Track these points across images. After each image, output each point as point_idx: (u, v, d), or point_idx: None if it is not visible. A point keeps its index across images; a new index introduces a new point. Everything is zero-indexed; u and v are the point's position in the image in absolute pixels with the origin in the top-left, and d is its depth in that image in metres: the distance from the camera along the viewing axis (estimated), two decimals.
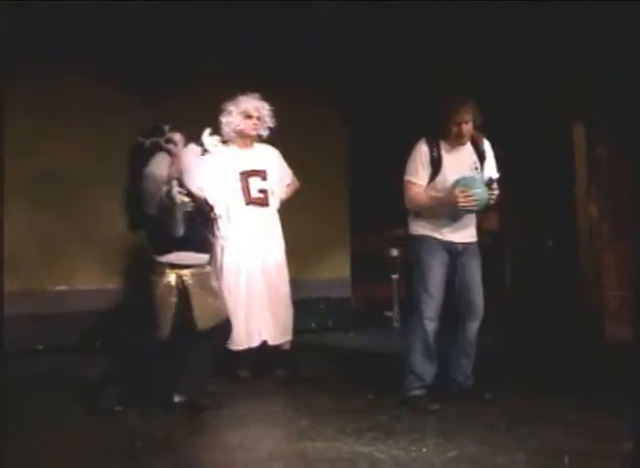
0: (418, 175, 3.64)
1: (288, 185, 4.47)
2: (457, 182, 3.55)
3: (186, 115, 4.24)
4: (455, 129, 3.59)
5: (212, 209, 4.12)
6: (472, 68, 5.75)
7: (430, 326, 3.59)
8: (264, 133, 4.35)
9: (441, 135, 3.65)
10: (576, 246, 5.59)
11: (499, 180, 3.64)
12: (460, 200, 3.49)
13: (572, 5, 4.97)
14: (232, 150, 4.28)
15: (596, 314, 5.31)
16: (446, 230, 3.66)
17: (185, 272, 3.57)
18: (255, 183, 4.26)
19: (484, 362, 3.80)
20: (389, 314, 6.31)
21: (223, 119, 4.27)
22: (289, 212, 4.49)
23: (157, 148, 3.57)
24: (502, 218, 6.38)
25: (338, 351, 5.22)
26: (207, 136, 4.22)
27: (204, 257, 3.68)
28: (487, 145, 3.77)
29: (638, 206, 5.06)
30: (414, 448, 2.97)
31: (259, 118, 4.27)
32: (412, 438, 3.10)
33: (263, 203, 4.28)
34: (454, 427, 3.25)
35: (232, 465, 2.91)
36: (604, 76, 5.24)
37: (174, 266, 3.57)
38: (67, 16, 5.13)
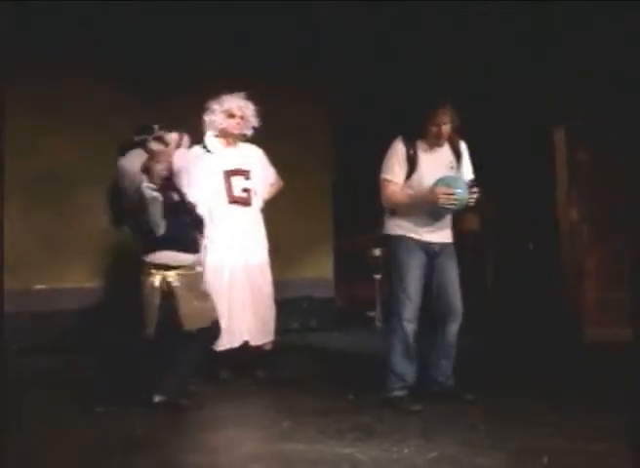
0: (394, 173, 3.65)
1: (271, 185, 4.47)
2: (439, 181, 3.57)
3: (186, 115, 4.23)
4: (434, 129, 3.62)
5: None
6: (457, 70, 5.78)
7: (409, 326, 3.60)
8: (249, 132, 4.34)
9: (419, 134, 3.67)
10: (556, 248, 5.63)
11: (476, 182, 3.66)
12: (442, 198, 3.51)
13: (567, 5, 5.00)
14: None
15: (576, 316, 5.35)
16: (423, 230, 3.66)
17: (171, 273, 3.55)
18: (238, 183, 4.25)
19: (465, 362, 3.82)
20: (372, 314, 6.32)
21: (207, 118, 4.26)
22: (273, 211, 4.49)
23: (144, 146, 3.58)
24: (484, 220, 6.42)
25: (320, 351, 5.22)
26: (210, 138, 4.23)
27: (190, 258, 3.65)
28: (463, 147, 3.81)
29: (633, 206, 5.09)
30: (395, 449, 2.98)
31: (242, 117, 4.26)
32: (393, 439, 3.11)
33: (246, 202, 4.27)
34: (435, 428, 3.26)
35: (213, 466, 2.90)
36: (586, 79, 5.28)
37: (159, 267, 3.56)
38: (67, 16, 5.11)
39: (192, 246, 3.69)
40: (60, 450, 3.05)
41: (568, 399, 3.73)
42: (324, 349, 5.31)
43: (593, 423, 3.28)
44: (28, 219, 5.12)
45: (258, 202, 4.34)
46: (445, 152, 3.74)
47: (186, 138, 4.00)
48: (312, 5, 5.39)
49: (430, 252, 3.69)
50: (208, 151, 4.26)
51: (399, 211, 3.69)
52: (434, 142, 3.67)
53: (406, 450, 2.96)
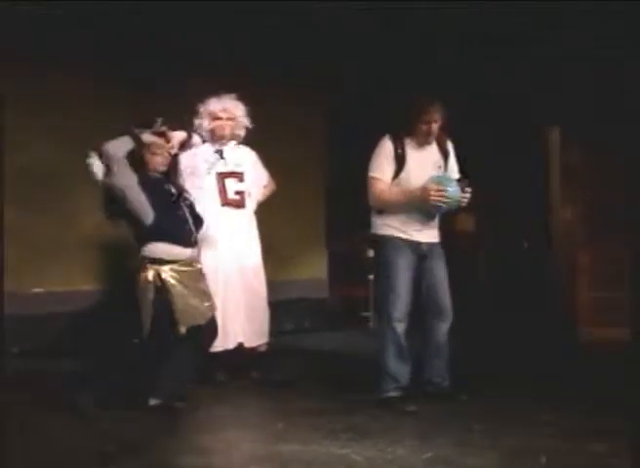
0: (382, 171, 3.63)
1: (265, 187, 4.46)
2: (431, 179, 3.57)
3: (186, 115, 4.22)
4: (424, 127, 3.61)
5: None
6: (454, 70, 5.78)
7: (400, 327, 3.59)
8: (241, 133, 4.32)
9: (407, 132, 3.66)
10: (550, 247, 5.64)
11: (469, 181, 3.65)
12: (433, 195, 3.50)
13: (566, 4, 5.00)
14: (209, 151, 4.25)
15: (570, 315, 5.36)
16: (412, 230, 3.65)
17: (165, 268, 3.52)
18: (231, 185, 4.24)
19: (459, 362, 3.82)
20: (366, 314, 6.31)
21: (196, 121, 4.26)
22: (266, 212, 4.48)
23: (134, 135, 3.58)
24: (478, 219, 6.43)
25: (315, 352, 5.21)
26: (232, 147, 4.20)
27: (185, 252, 3.61)
28: (450, 146, 3.81)
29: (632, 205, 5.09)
30: (390, 450, 2.97)
31: (230, 118, 4.24)
32: (388, 439, 3.10)
33: (239, 204, 4.26)
34: (430, 428, 3.26)
35: None
36: (579, 80, 5.30)
37: (153, 261, 3.52)
38: (67, 16, 5.07)
39: (187, 240, 3.64)
40: (55, 454, 3.03)
41: (565, 398, 3.74)
42: (318, 350, 5.30)
43: (592, 423, 3.29)
44: (24, 222, 5.06)
45: (251, 204, 4.33)
46: (433, 151, 3.74)
47: (197, 139, 4.02)
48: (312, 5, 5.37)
49: (419, 251, 3.67)
50: (221, 153, 4.26)
51: (387, 210, 3.67)
52: (423, 140, 3.67)
53: (401, 451, 2.96)
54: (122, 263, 5.06)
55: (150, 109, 4.62)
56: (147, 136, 3.60)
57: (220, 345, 4.08)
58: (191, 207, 3.75)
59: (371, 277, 6.32)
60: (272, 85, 5.62)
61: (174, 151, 3.74)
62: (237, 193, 4.25)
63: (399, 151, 3.63)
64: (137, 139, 3.55)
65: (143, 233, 3.54)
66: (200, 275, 3.72)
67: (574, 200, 5.49)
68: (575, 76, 5.33)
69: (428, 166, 3.68)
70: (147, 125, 3.65)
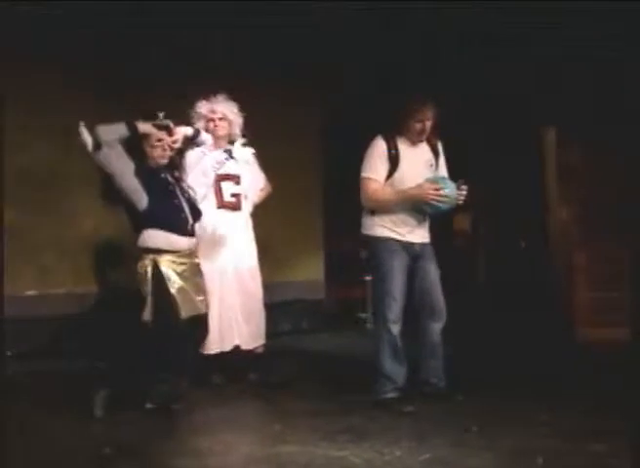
0: (376, 171, 3.62)
1: (261, 190, 4.46)
2: (427, 180, 3.57)
3: (186, 115, 4.22)
4: (418, 126, 3.61)
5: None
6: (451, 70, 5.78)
7: (395, 328, 3.59)
8: (236, 133, 4.30)
9: (399, 131, 3.66)
10: (548, 247, 5.64)
11: (465, 181, 3.64)
12: (431, 194, 3.50)
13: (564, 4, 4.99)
14: (218, 151, 4.25)
15: (568, 315, 5.37)
16: (404, 230, 3.65)
17: (163, 258, 3.50)
18: (227, 187, 4.23)
19: (456, 363, 3.82)
20: (363, 316, 6.31)
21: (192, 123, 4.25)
22: (263, 213, 4.47)
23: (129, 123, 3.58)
24: (477, 219, 6.43)
25: (311, 353, 5.21)
26: (239, 147, 4.19)
27: (183, 241, 3.60)
28: (440, 146, 3.81)
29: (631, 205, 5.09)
30: (387, 451, 2.98)
31: (222, 119, 4.22)
32: (385, 440, 3.11)
33: (236, 207, 4.25)
34: (427, 429, 3.26)
35: None
36: (578, 80, 5.30)
37: (150, 251, 3.51)
38: (67, 16, 5.05)
39: (183, 228, 3.61)
40: (52, 457, 3.03)
41: (562, 398, 3.74)
42: (315, 351, 5.30)
43: (590, 423, 3.29)
44: (24, 222, 5.05)
45: (247, 206, 4.33)
46: (424, 150, 3.74)
47: (207, 137, 3.99)
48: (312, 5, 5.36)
49: (411, 252, 3.67)
50: (232, 158, 4.27)
51: (379, 210, 3.66)
52: (416, 139, 3.66)
53: (398, 452, 2.97)
54: (121, 265, 5.08)
55: (150, 109, 4.64)
56: (144, 127, 3.59)
57: (216, 347, 4.09)
58: (190, 199, 3.73)
59: (367, 278, 6.33)
60: (272, 85, 5.62)
61: (177, 146, 3.72)
62: (233, 195, 4.24)
63: (392, 151, 3.62)
64: (132, 128, 3.54)
65: (139, 220, 3.54)
66: (197, 269, 3.71)
67: (571, 200, 5.48)
68: (574, 76, 5.33)
69: (421, 165, 3.68)
70: (149, 118, 3.65)
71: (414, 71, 5.81)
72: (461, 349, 4.36)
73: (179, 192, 3.68)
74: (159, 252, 3.52)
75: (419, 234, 3.70)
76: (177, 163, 3.82)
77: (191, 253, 3.67)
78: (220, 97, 4.26)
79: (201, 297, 3.66)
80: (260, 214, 4.45)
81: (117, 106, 5.19)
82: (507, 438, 3.12)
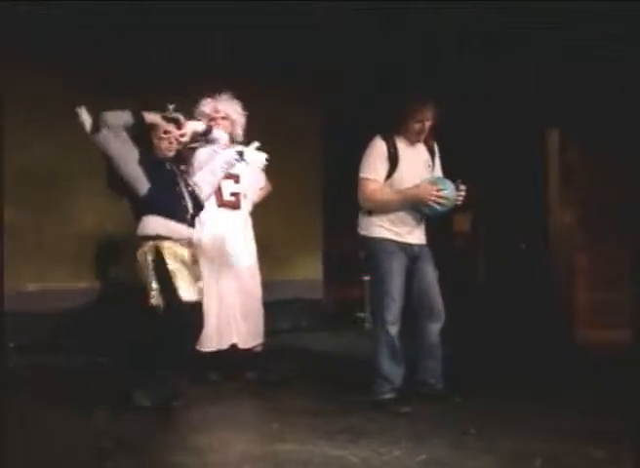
0: (376, 171, 3.61)
1: (261, 189, 4.46)
2: (426, 180, 3.57)
3: (187, 113, 4.22)
4: (417, 126, 3.61)
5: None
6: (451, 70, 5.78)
7: (393, 329, 3.58)
8: (238, 131, 4.29)
9: (398, 131, 3.65)
10: (548, 249, 5.64)
11: (464, 182, 3.64)
12: (433, 195, 3.50)
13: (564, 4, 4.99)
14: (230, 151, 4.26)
15: (568, 317, 5.36)
16: (403, 230, 3.64)
17: (164, 244, 3.49)
18: (227, 186, 4.22)
19: (455, 364, 3.81)
20: (361, 315, 6.31)
21: None
22: (262, 212, 4.48)
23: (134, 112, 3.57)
24: (477, 220, 6.43)
25: (310, 353, 5.21)
26: (252, 151, 4.16)
27: (183, 229, 3.60)
28: (436, 146, 3.81)
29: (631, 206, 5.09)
30: (385, 451, 2.97)
31: (224, 118, 4.21)
32: (383, 441, 3.10)
33: (235, 206, 4.25)
34: (425, 430, 3.25)
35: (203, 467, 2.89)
36: (579, 80, 5.29)
37: (150, 238, 3.51)
38: (67, 16, 5.06)
39: (183, 216, 3.61)
40: (50, 452, 3.03)
41: (562, 400, 3.73)
42: (313, 350, 5.29)
43: (590, 425, 3.28)
44: (24, 221, 5.08)
45: (247, 205, 4.33)
46: (422, 150, 3.74)
47: (221, 135, 3.95)
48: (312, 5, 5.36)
49: (409, 253, 3.67)
50: (243, 160, 4.24)
51: (377, 210, 3.65)
52: (414, 140, 3.66)
53: (396, 452, 2.96)
54: (121, 261, 5.09)
55: (150, 109, 4.64)
56: (151, 117, 3.58)
57: (213, 345, 4.10)
58: (193, 192, 3.73)
59: (366, 277, 6.33)
60: (272, 85, 5.62)
61: (184, 139, 3.70)
62: (233, 194, 4.24)
63: (392, 151, 3.61)
64: (138, 117, 3.54)
65: (140, 206, 3.54)
66: (195, 259, 3.70)
67: (572, 201, 5.48)
68: (574, 76, 5.32)
69: (419, 165, 3.68)
70: (159, 109, 3.65)
71: (414, 71, 5.81)
72: (461, 349, 4.35)
73: (182, 183, 3.69)
74: (159, 238, 3.52)
75: (416, 235, 3.70)
76: (185, 157, 3.82)
77: (190, 244, 3.67)
78: (225, 96, 4.26)
79: (200, 284, 3.66)
80: (259, 213, 4.45)
81: (117, 106, 5.21)
82: (507, 440, 3.10)
